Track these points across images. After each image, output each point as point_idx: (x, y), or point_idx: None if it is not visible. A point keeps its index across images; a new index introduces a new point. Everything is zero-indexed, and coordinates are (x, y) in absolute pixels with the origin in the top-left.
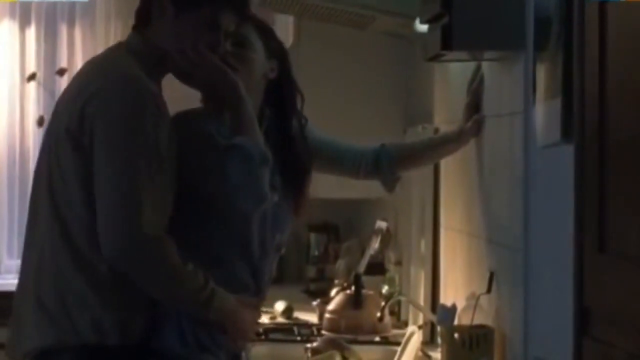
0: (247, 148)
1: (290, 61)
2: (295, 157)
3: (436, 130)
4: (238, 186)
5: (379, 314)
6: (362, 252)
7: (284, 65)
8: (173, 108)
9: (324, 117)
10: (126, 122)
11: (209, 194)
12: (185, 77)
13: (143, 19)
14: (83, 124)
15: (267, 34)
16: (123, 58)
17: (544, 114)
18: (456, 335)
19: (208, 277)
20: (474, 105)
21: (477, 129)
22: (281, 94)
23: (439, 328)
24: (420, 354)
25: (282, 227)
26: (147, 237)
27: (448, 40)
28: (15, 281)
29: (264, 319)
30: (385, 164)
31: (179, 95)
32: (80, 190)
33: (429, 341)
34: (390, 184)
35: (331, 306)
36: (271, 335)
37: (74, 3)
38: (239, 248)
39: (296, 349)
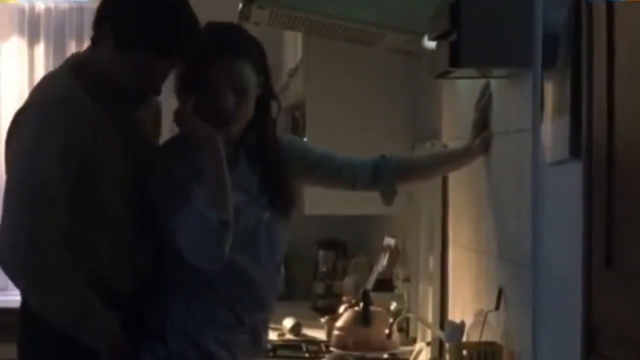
0: (203, 213)
1: (271, 72)
2: (273, 167)
3: (444, 147)
4: (192, 246)
5: (387, 331)
6: (370, 268)
7: (267, 80)
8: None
9: (332, 134)
10: (28, 146)
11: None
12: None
13: (92, 39)
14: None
15: (252, 52)
16: (62, 74)
17: (552, 131)
18: (464, 352)
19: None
20: (482, 123)
21: (484, 147)
22: (262, 104)
23: (447, 345)
24: None
25: (279, 242)
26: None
27: (456, 57)
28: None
29: (273, 336)
30: (385, 176)
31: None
32: None
33: (437, 358)
34: (388, 196)
35: (339, 323)
36: (279, 352)
37: (82, 18)
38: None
39: None
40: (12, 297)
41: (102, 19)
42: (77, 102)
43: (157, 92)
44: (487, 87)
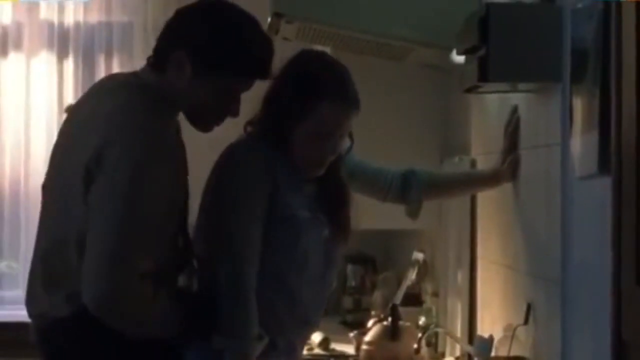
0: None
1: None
2: (335, 192)
3: (473, 162)
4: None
5: (415, 346)
6: (399, 283)
7: None
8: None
9: (361, 148)
10: (134, 176)
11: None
12: (205, 130)
13: (159, 64)
14: (99, 165)
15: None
16: (135, 94)
17: (581, 145)
18: None
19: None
20: (511, 149)
21: (512, 172)
22: None
23: (475, 359)
24: None
25: (335, 261)
26: (128, 289)
27: (485, 72)
28: (15, 312)
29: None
30: (414, 191)
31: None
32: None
33: None
34: (415, 210)
35: (368, 337)
36: None
37: (111, 34)
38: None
39: None
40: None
41: (172, 45)
42: (171, 135)
43: (236, 113)
44: (515, 111)
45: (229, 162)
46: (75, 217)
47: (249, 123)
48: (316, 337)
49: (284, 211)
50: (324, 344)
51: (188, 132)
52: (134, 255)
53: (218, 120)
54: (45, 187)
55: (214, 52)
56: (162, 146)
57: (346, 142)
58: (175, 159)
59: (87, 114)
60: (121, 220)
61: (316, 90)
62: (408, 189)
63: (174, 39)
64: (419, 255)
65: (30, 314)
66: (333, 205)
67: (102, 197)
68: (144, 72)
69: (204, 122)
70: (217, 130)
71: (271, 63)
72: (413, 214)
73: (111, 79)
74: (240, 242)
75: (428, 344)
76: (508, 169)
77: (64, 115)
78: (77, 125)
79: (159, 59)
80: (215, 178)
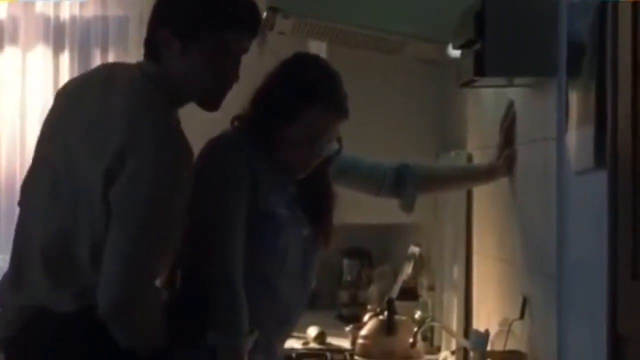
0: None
1: None
2: (320, 195)
3: (469, 156)
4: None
5: (411, 340)
6: (395, 277)
7: None
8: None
9: (356, 142)
10: (161, 184)
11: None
12: (213, 107)
13: (152, 53)
14: (122, 167)
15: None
16: (150, 91)
17: (577, 140)
18: None
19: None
20: (507, 144)
21: (508, 167)
22: None
23: (471, 354)
24: None
25: (314, 262)
26: (143, 296)
27: (481, 66)
28: None
29: (297, 345)
30: (409, 185)
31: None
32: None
33: None
34: (410, 205)
35: (364, 332)
36: None
37: (107, 28)
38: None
39: None
40: None
41: (157, 29)
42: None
43: (236, 77)
44: (510, 106)
45: (209, 157)
46: (86, 214)
47: (237, 118)
48: (312, 331)
49: (263, 207)
50: (320, 338)
51: (187, 131)
52: (154, 261)
53: (223, 89)
54: (34, 179)
55: (191, 13)
56: (184, 149)
57: (334, 146)
58: (192, 158)
59: (96, 112)
60: (146, 226)
61: (307, 94)
62: (402, 184)
63: (157, 23)
64: (415, 250)
65: (7, 304)
66: (317, 208)
67: (126, 200)
68: (145, 65)
69: (210, 96)
70: (215, 129)
71: (255, 13)
72: (407, 208)
73: (111, 69)
74: (227, 238)
75: (424, 338)
76: (504, 164)
77: None
78: (84, 123)
79: (150, 47)
80: (199, 172)
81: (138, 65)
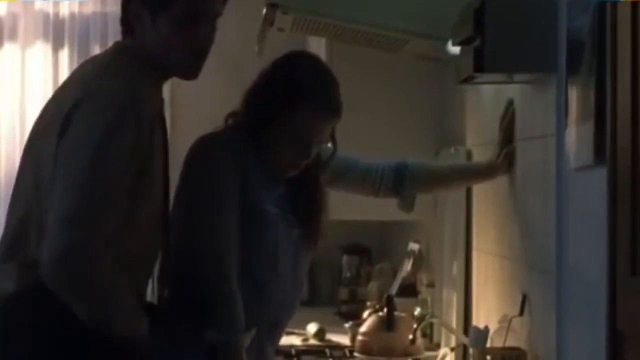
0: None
1: None
2: (311, 197)
3: (469, 153)
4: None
5: (411, 336)
6: (394, 274)
7: None
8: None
9: (356, 139)
10: (101, 138)
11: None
12: (190, 76)
13: (127, 29)
14: (66, 129)
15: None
16: (117, 61)
17: (577, 136)
18: (488, 357)
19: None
20: (506, 142)
21: (507, 165)
22: None
23: (471, 350)
24: None
25: (303, 264)
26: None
27: (480, 63)
28: None
29: (296, 341)
30: (407, 184)
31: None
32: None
33: None
34: (409, 204)
35: (363, 328)
36: (303, 358)
37: (106, 24)
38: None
39: None
40: None
41: (129, 2)
42: (150, 105)
43: (211, 39)
44: (510, 104)
45: (199, 155)
46: (43, 189)
47: (231, 115)
48: (311, 328)
49: (252, 205)
50: (320, 334)
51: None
52: (98, 213)
53: (198, 58)
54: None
55: None
56: (135, 112)
57: (328, 149)
58: (149, 129)
59: (65, 81)
60: (82, 180)
61: (301, 96)
62: (401, 184)
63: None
64: (414, 246)
65: None
66: (308, 209)
67: (67, 155)
68: (119, 42)
69: (186, 66)
70: (211, 128)
71: None
72: (407, 208)
73: (93, 57)
74: (221, 236)
75: (423, 335)
76: (503, 162)
77: None
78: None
79: (124, 24)
80: (186, 171)
81: (114, 43)
